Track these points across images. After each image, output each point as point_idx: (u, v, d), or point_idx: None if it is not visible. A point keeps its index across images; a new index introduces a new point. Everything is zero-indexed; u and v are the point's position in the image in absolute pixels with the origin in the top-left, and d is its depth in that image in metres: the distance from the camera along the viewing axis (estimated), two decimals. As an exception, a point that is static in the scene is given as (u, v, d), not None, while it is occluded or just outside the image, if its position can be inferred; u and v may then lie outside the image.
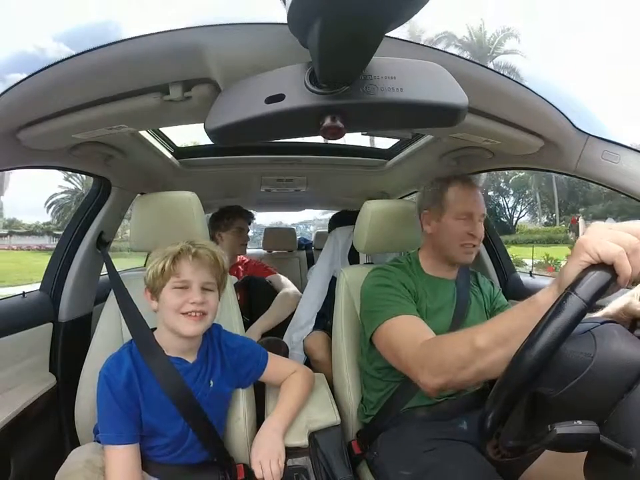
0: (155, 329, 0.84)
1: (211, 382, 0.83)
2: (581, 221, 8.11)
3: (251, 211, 1.96)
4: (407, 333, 0.77)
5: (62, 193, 24.56)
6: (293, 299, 1.61)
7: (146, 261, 2.30)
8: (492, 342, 0.56)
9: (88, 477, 0.71)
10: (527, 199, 26.53)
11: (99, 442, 0.81)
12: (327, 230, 2.14)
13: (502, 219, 26.01)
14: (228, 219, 1.71)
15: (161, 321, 0.81)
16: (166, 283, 0.78)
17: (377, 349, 0.86)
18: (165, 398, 0.77)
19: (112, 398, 0.75)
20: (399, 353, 0.75)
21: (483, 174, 1.39)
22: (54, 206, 24.62)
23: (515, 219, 26.67)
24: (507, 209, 27.20)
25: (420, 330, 0.77)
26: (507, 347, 0.54)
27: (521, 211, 26.99)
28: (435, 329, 0.79)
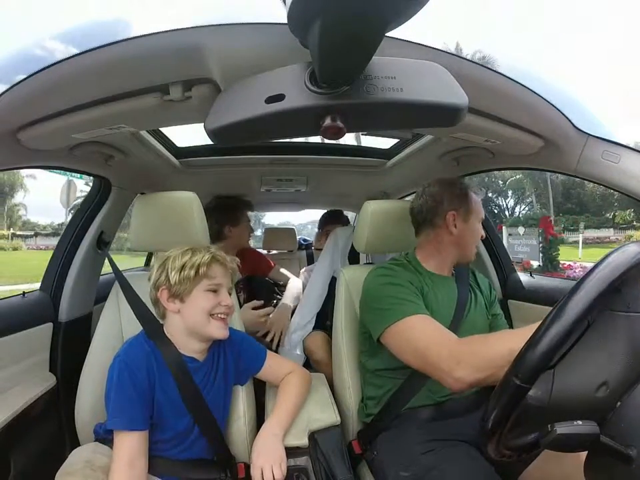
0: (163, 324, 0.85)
1: (216, 378, 0.85)
2: (504, 228, 9.95)
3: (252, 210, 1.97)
4: (434, 330, 0.79)
5: (83, 197, 25.16)
6: (300, 286, 1.70)
7: (147, 261, 2.32)
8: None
9: (87, 475, 0.71)
10: (526, 200, 26.72)
11: (99, 441, 0.82)
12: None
13: (503, 219, 26.26)
14: (241, 211, 1.70)
15: (181, 322, 0.81)
16: (196, 285, 0.80)
17: (386, 347, 0.86)
18: (175, 388, 0.79)
19: (129, 381, 0.75)
20: (427, 351, 0.76)
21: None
22: (74, 210, 25.24)
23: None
24: (507, 210, 27.35)
25: (445, 330, 0.79)
26: None
27: (520, 212, 27.20)
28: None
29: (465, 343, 0.74)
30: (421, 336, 0.78)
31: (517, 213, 27.05)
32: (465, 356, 0.70)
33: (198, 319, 0.80)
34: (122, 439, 0.73)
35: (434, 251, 0.99)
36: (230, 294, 0.85)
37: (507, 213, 27.30)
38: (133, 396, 0.74)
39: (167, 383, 0.78)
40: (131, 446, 0.72)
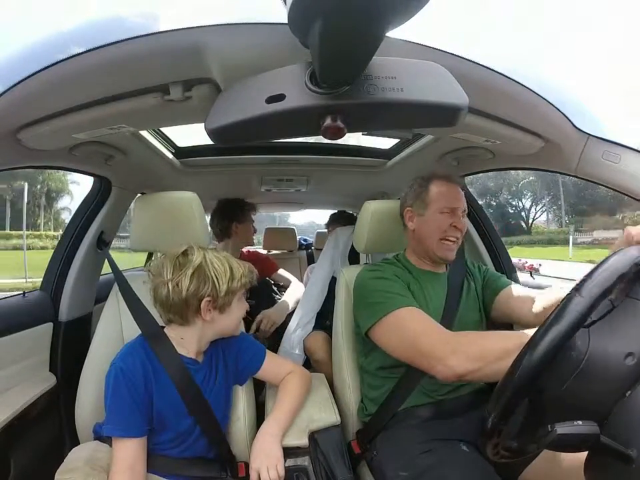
0: (164, 326, 0.84)
1: (217, 378, 0.84)
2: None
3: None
4: (426, 321, 0.80)
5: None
6: (301, 289, 1.71)
7: (147, 260, 2.30)
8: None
9: (88, 474, 0.71)
10: (542, 201, 27.14)
11: (100, 440, 0.81)
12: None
13: (520, 220, 26.70)
14: (247, 210, 1.76)
15: (208, 329, 0.82)
16: (235, 296, 0.81)
17: (376, 342, 0.87)
18: (175, 392, 0.78)
19: (125, 390, 0.74)
20: (420, 339, 0.77)
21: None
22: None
23: (530, 220, 27.19)
24: (523, 211, 27.76)
25: (437, 323, 0.81)
26: None
27: (536, 212, 27.57)
28: None
29: (460, 335, 0.76)
30: (414, 326, 0.79)
31: (533, 214, 27.59)
32: (460, 345, 0.72)
33: (231, 328, 0.84)
34: (120, 445, 0.73)
35: (412, 248, 1.03)
36: None
37: (523, 214, 27.66)
38: (130, 403, 0.74)
39: (166, 387, 0.77)
40: (129, 450, 0.72)
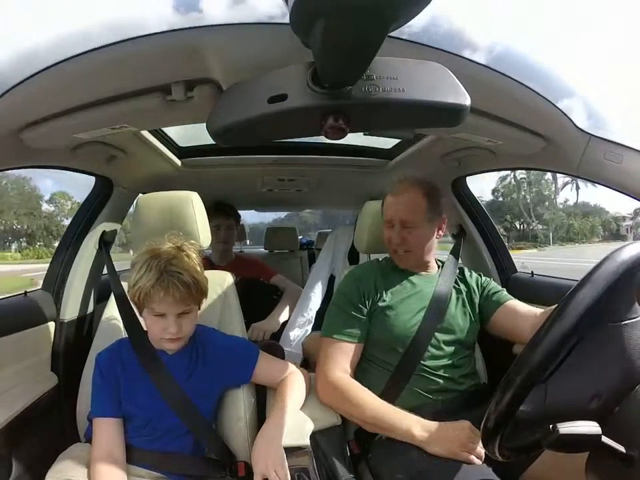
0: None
1: (194, 369, 0.85)
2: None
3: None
4: (337, 355, 0.92)
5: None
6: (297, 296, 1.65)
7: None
8: (374, 425, 0.84)
9: (70, 469, 0.76)
10: None
11: (87, 442, 0.85)
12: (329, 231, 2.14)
13: None
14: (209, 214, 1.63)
15: None
16: (143, 308, 0.79)
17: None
18: (147, 385, 0.81)
19: (98, 373, 0.83)
20: (320, 361, 0.93)
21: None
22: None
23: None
24: None
25: (343, 359, 0.91)
26: (378, 428, 0.84)
27: None
28: (401, 319, 0.91)
29: (340, 379, 0.88)
30: (327, 353, 0.92)
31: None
32: (329, 383, 0.88)
33: (150, 336, 0.84)
34: (97, 427, 0.79)
35: None
36: (185, 313, 0.79)
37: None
38: (101, 386, 0.82)
39: (136, 371, 0.82)
40: (105, 432, 0.78)
